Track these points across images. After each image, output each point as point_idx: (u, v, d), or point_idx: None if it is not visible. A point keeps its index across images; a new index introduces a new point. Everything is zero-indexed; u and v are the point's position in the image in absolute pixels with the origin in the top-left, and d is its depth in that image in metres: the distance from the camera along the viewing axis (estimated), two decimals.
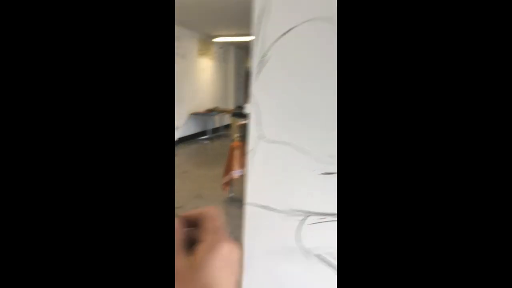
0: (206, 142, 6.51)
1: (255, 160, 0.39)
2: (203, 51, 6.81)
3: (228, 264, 0.24)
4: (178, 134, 6.08)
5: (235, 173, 3.06)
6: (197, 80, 6.76)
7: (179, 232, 0.26)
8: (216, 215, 0.27)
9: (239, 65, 8.46)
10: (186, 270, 0.24)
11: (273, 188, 0.39)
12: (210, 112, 6.94)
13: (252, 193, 0.40)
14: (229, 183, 3.13)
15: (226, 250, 0.24)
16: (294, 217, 0.39)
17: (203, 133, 6.90)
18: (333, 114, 0.37)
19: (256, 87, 0.39)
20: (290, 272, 0.39)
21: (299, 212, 0.38)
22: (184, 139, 6.40)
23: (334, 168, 0.37)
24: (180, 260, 0.24)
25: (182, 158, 5.13)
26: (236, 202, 3.20)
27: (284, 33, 0.37)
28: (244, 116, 3.58)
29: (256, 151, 0.39)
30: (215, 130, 7.23)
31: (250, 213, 0.40)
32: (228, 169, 3.08)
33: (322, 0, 0.36)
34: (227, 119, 7.39)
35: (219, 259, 0.24)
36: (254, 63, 0.39)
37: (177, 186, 3.70)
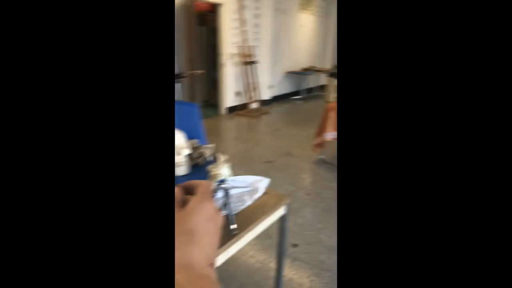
0: (299, 102, 6.45)
1: None
2: (304, 5, 6.46)
3: (210, 218, 0.31)
4: (272, 93, 6.17)
5: (328, 136, 2.97)
6: (295, 37, 6.55)
7: (178, 195, 0.33)
8: (208, 184, 0.34)
9: None
10: (178, 219, 0.30)
11: None
12: (306, 71, 6.74)
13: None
14: (321, 145, 3.08)
15: (211, 208, 0.31)
16: None
17: (296, 92, 6.83)
18: None
19: None
20: None
21: None
22: (278, 98, 6.47)
23: None
24: (176, 213, 0.31)
25: (275, 116, 5.25)
26: (326, 164, 3.15)
27: None
28: None
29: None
30: (309, 90, 7.05)
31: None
32: (321, 130, 3.01)
33: None
34: (322, 79, 7.09)
35: (204, 212, 0.30)
36: None
37: (269, 142, 3.85)
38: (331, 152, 3.30)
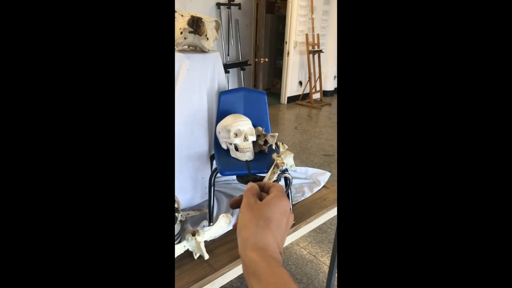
0: None
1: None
2: None
3: (284, 214, 0.35)
4: (336, 84, 5.93)
5: None
6: None
7: (256, 188, 0.39)
8: (282, 187, 0.39)
9: None
10: (254, 204, 0.36)
11: None
12: None
13: None
14: None
15: (286, 205, 0.36)
16: None
17: None
18: None
19: None
20: None
21: None
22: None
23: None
24: (253, 199, 0.37)
25: (336, 108, 5.05)
26: None
27: None
28: None
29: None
30: None
31: None
32: None
33: None
34: None
35: (280, 207, 0.35)
36: None
37: (328, 135, 3.75)
38: None
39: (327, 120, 4.42)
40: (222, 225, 0.88)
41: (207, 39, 1.06)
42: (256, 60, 4.33)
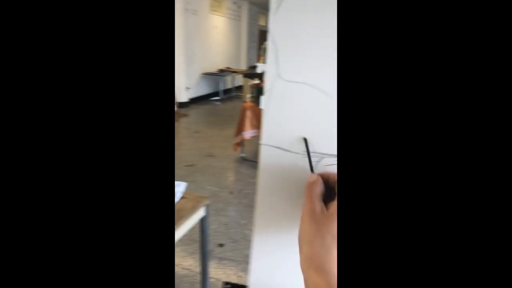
0: (217, 103, 6.48)
1: (272, 100, 0.38)
2: (215, 7, 6.50)
3: None
4: (189, 95, 6.04)
5: (247, 134, 3.06)
6: (208, 38, 6.54)
7: (321, 183, 0.32)
8: None
9: (253, 22, 8.10)
10: (320, 213, 0.29)
11: (289, 128, 0.38)
12: (222, 72, 6.81)
13: (268, 134, 0.39)
14: (241, 143, 3.15)
15: None
16: (312, 158, 0.38)
17: (214, 93, 6.84)
18: None
19: (273, 23, 0.37)
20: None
21: (314, 154, 0.38)
22: (196, 100, 6.38)
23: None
24: (318, 203, 0.30)
25: (193, 118, 5.16)
26: (247, 161, 3.25)
27: None
28: (257, 76, 3.50)
29: (272, 91, 0.38)
30: (227, 91, 7.14)
31: (265, 154, 0.39)
32: (240, 129, 3.09)
33: None
34: (239, 80, 7.26)
35: None
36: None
37: (189, 145, 3.76)
38: (251, 150, 3.41)
39: (186, 131, 4.44)
40: None
41: None
42: None
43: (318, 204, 0.30)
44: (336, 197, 0.30)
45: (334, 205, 0.29)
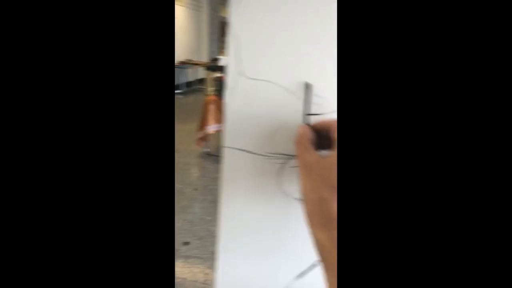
0: (179, 96, 6.28)
1: (234, 99, 0.36)
2: None
3: None
4: None
5: (210, 128, 3.00)
6: None
7: (309, 132, 0.29)
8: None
9: (214, 13, 7.92)
10: (315, 163, 0.26)
11: (253, 129, 0.36)
12: (183, 64, 6.59)
13: (231, 135, 0.37)
14: (204, 138, 3.08)
15: None
16: (275, 160, 0.37)
17: (175, 87, 6.61)
18: (320, 51, 0.34)
19: (235, 17, 0.34)
20: (270, 215, 0.38)
21: (280, 156, 0.37)
22: None
23: (319, 108, 0.35)
24: (310, 154, 0.27)
25: None
26: (211, 157, 3.19)
27: None
28: (219, 69, 3.43)
29: (235, 89, 0.36)
30: (189, 84, 6.95)
31: (228, 156, 0.37)
32: (203, 124, 3.02)
33: None
34: (201, 73, 7.09)
35: None
36: None
37: None
38: (215, 144, 3.36)
39: None
40: None
41: None
42: None
43: (311, 155, 0.27)
44: (333, 145, 0.27)
45: (331, 154, 0.26)
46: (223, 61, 3.16)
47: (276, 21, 0.34)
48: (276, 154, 0.36)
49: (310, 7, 0.33)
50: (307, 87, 0.33)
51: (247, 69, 0.35)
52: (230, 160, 0.37)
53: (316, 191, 0.26)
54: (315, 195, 0.26)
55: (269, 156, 0.37)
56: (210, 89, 3.54)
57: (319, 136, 0.30)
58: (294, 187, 0.37)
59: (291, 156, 0.36)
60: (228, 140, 0.37)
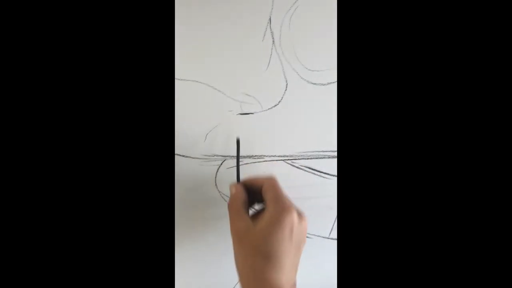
0: None
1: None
2: None
3: (290, 233, 0.25)
4: None
5: None
6: None
7: (241, 194, 0.28)
8: (277, 184, 0.28)
9: None
10: (245, 232, 0.25)
11: (186, 132, 0.35)
12: None
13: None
14: None
15: (291, 221, 0.25)
16: (211, 162, 0.36)
17: None
18: (247, 48, 0.34)
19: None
20: (213, 216, 0.37)
21: (216, 157, 0.36)
22: None
23: (251, 107, 0.35)
24: (241, 221, 0.26)
25: None
26: None
27: None
28: None
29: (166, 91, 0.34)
30: None
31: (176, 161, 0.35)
32: None
33: None
34: None
35: (283, 230, 0.24)
36: None
37: None
38: None
39: None
40: None
41: None
42: None
43: (243, 222, 0.26)
44: (263, 204, 0.27)
45: (262, 218, 0.25)
46: None
47: (206, 20, 0.33)
48: (212, 156, 0.35)
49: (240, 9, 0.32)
50: (238, 143, 0.33)
51: (177, 71, 0.33)
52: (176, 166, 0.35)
53: (248, 259, 0.24)
54: (247, 263, 0.24)
55: (205, 158, 0.35)
56: None
57: (252, 192, 0.29)
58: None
59: (227, 157, 0.35)
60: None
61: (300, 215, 0.26)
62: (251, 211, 0.29)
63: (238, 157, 0.32)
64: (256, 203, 0.30)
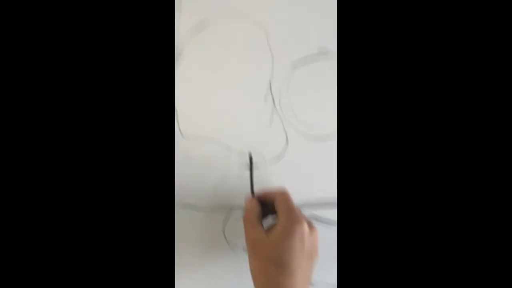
0: None
1: (178, 157, 0.38)
2: None
3: (302, 243, 0.26)
4: None
5: None
6: None
7: (255, 207, 0.30)
8: (288, 198, 0.30)
9: None
10: (259, 242, 0.27)
11: (195, 184, 0.38)
12: None
13: (178, 191, 0.38)
14: None
15: (302, 231, 0.27)
16: (219, 212, 0.38)
17: None
18: (251, 108, 0.38)
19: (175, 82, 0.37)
20: (220, 266, 0.39)
21: (223, 208, 0.38)
22: None
23: (256, 160, 0.38)
24: (255, 232, 0.28)
25: None
26: None
27: (201, 29, 0.36)
28: None
29: (177, 148, 0.38)
30: None
31: (177, 212, 0.38)
32: None
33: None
34: None
35: (295, 240, 0.26)
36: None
37: None
38: None
39: None
40: None
41: None
42: None
43: (257, 232, 0.28)
44: (277, 216, 0.29)
45: (274, 229, 0.28)
46: None
47: (212, 83, 0.37)
48: (220, 206, 0.38)
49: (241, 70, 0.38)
50: (251, 159, 0.36)
51: (188, 128, 0.37)
52: (180, 215, 0.38)
53: (262, 267, 0.27)
54: (261, 271, 0.27)
55: (213, 208, 0.38)
56: None
57: (266, 204, 0.32)
58: (239, 238, 0.38)
59: (235, 208, 0.38)
60: (177, 196, 0.38)
61: (310, 226, 0.29)
62: (265, 224, 0.32)
63: (251, 172, 0.35)
64: (270, 215, 0.32)
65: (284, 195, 0.30)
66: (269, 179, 0.38)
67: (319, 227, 0.39)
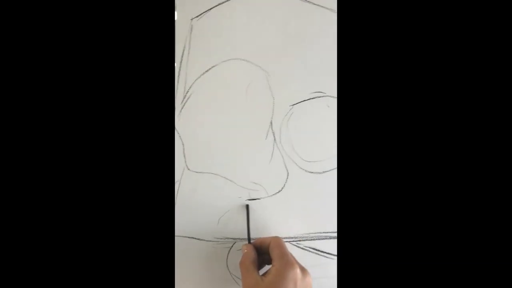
0: None
1: (181, 191, 0.40)
2: None
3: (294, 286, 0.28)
4: None
5: None
6: None
7: (251, 253, 0.32)
8: (281, 243, 0.32)
9: None
10: (254, 286, 0.28)
11: (200, 217, 0.39)
12: None
13: (180, 224, 0.39)
14: None
15: (294, 275, 0.28)
16: (223, 244, 0.39)
17: None
18: (253, 145, 0.40)
19: (179, 121, 0.40)
20: None
21: (227, 240, 0.39)
22: None
23: (258, 194, 0.40)
24: (251, 276, 0.30)
25: None
26: None
27: (206, 71, 0.40)
28: None
29: (181, 182, 0.39)
30: None
31: (180, 245, 0.39)
32: None
33: (237, 44, 0.40)
34: None
35: (286, 284, 0.27)
36: (177, 100, 0.40)
37: None
38: None
39: None
40: None
41: None
42: None
43: (252, 277, 0.29)
44: (272, 261, 0.30)
45: (269, 273, 0.29)
46: None
47: (214, 121, 0.40)
48: (224, 238, 0.39)
49: (240, 107, 0.40)
50: (248, 209, 0.39)
51: (191, 164, 0.40)
52: (181, 248, 0.39)
53: None
54: None
55: (217, 241, 0.39)
56: None
57: (261, 252, 0.34)
58: None
59: (237, 239, 0.39)
60: (179, 229, 0.39)
61: (303, 270, 0.30)
62: (261, 270, 0.33)
63: (248, 221, 0.38)
64: (265, 261, 0.34)
65: (278, 241, 0.32)
66: (270, 212, 0.40)
67: (319, 260, 0.40)
